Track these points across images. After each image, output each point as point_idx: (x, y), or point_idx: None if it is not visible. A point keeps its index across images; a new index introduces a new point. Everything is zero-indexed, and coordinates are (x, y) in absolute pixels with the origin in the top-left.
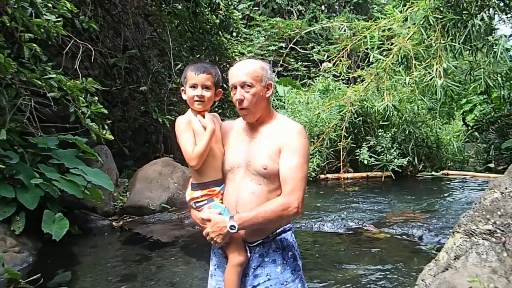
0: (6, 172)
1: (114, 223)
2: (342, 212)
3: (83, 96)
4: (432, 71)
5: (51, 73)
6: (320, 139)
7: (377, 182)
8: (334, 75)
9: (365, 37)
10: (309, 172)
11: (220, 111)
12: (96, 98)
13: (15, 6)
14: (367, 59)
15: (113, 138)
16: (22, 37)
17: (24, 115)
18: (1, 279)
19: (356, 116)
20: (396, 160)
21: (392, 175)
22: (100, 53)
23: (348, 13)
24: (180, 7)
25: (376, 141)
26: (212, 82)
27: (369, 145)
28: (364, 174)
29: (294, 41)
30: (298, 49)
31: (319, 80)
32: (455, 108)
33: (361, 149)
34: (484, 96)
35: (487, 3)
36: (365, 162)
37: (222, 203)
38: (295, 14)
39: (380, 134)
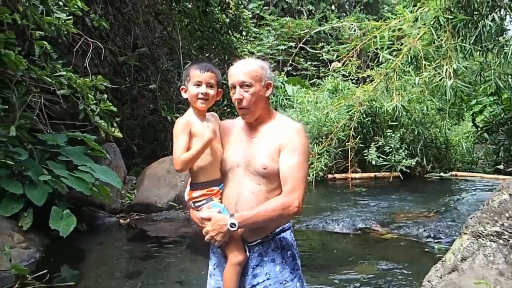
0: (15, 169)
1: (121, 220)
2: (350, 212)
3: (92, 94)
4: (442, 71)
5: (61, 71)
6: (329, 138)
7: (385, 183)
8: (343, 75)
9: (375, 37)
10: (317, 171)
11: (228, 109)
12: (106, 95)
13: (27, 4)
14: (377, 59)
15: (121, 136)
16: (33, 35)
17: (33, 112)
18: (8, 275)
19: (364, 116)
20: (404, 160)
21: (400, 175)
22: (110, 51)
23: (358, 13)
24: (190, 6)
25: (385, 141)
26: (216, 81)
27: (377, 145)
28: (372, 174)
29: (303, 40)
30: (308, 48)
31: (328, 79)
32: (465, 109)
33: (369, 149)
34: (494, 97)
35: (499, 3)
36: (373, 162)
37: (221, 202)
38: (305, 13)
39: (388, 134)
